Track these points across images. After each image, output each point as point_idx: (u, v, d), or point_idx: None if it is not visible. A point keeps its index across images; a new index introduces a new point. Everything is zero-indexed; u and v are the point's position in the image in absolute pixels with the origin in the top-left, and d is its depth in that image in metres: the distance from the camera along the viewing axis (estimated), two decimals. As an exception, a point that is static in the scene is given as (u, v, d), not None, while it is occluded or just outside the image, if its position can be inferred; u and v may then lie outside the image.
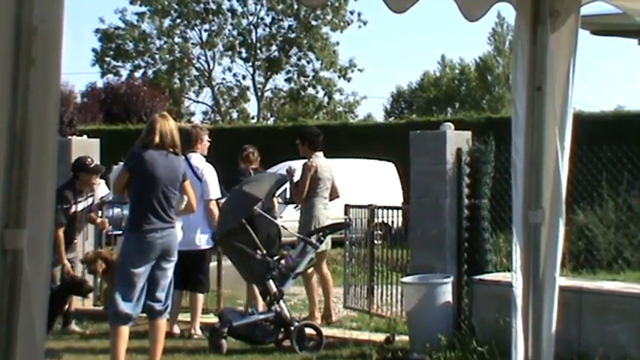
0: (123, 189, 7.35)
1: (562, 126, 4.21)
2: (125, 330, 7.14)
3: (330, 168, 10.08)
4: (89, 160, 9.28)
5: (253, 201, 8.84)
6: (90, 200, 9.35)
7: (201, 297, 9.33)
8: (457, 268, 8.76)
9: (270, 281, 8.65)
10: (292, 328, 8.61)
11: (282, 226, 9.60)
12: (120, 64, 48.71)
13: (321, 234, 9.30)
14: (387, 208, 11.32)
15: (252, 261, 8.63)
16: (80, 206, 9.17)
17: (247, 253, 8.60)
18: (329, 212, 9.98)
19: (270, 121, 49.35)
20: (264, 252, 8.75)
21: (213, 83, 50.80)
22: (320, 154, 9.98)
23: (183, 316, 9.52)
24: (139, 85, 41.59)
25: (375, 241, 10.92)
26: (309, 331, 8.79)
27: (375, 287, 10.66)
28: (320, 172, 9.79)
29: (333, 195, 10.22)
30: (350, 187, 10.44)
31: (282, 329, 8.69)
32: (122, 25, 48.17)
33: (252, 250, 8.63)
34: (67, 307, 9.51)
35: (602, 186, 13.06)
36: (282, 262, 8.92)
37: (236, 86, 51.18)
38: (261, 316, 8.72)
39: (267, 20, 48.56)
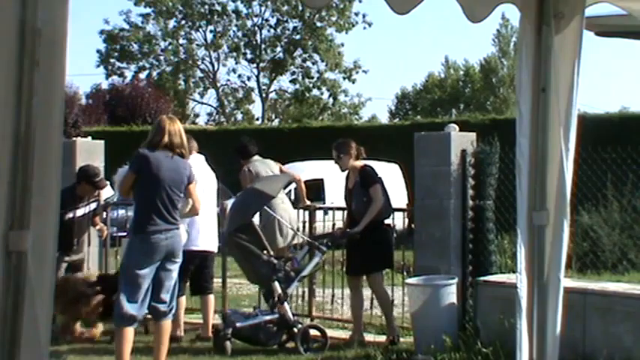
0: (129, 190, 7.35)
1: (567, 127, 4.21)
2: (130, 331, 7.14)
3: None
4: (97, 172, 9.26)
5: (266, 198, 8.86)
6: (93, 205, 9.35)
7: (212, 298, 9.30)
8: (462, 270, 8.75)
9: (276, 283, 8.64)
10: (296, 329, 8.61)
11: (291, 228, 9.57)
12: (124, 65, 48.78)
13: (326, 240, 9.26)
14: (332, 209, 11.19)
15: (258, 261, 8.61)
16: (80, 212, 9.18)
17: (254, 253, 8.58)
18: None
19: (275, 123, 49.39)
20: (271, 253, 8.75)
21: (218, 85, 50.87)
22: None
23: (188, 318, 9.54)
24: (143, 87, 41.56)
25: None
26: (313, 332, 8.79)
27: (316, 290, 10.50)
28: None
29: None
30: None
31: (286, 331, 8.68)
32: (127, 27, 48.28)
33: (259, 250, 8.62)
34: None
35: (607, 187, 13.06)
36: (288, 263, 8.90)
37: (241, 87, 51.30)
38: (265, 318, 8.69)
39: (272, 21, 48.67)
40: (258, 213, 9.38)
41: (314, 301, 10.40)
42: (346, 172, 9.22)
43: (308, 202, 10.67)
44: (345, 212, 9.41)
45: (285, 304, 8.68)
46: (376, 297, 9.24)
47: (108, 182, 9.59)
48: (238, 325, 8.50)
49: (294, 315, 8.91)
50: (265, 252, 8.67)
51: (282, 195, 9.88)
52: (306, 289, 10.40)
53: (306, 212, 10.51)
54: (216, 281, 11.06)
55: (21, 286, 2.56)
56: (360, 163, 9.13)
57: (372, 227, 8.84)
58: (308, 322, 9.46)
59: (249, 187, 9.02)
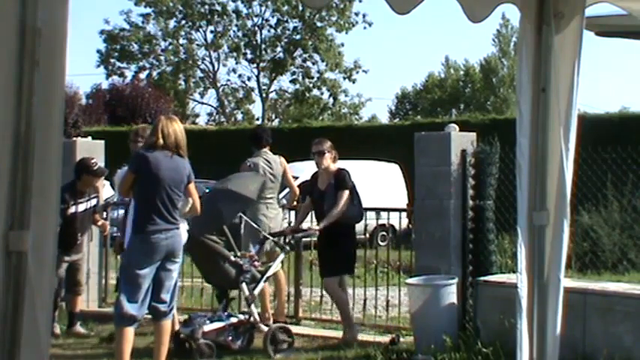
0: (128, 190, 7.36)
1: (567, 127, 4.21)
2: (130, 331, 7.14)
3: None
4: (93, 161, 9.25)
5: (247, 202, 8.73)
6: (93, 201, 9.33)
7: None
8: (462, 270, 8.75)
9: (244, 284, 8.52)
10: (264, 330, 8.50)
11: (256, 226, 9.34)
12: (125, 65, 48.78)
13: (290, 238, 9.21)
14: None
15: (225, 263, 8.44)
16: (81, 207, 9.16)
17: (222, 254, 8.43)
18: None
19: (275, 123, 49.37)
20: (238, 254, 8.59)
21: (218, 84, 50.86)
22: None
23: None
24: (143, 87, 41.59)
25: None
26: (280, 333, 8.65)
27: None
28: None
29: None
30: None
31: (252, 332, 8.58)
32: (127, 27, 48.28)
33: (227, 251, 8.48)
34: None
35: (607, 187, 13.06)
36: (255, 264, 8.74)
37: (241, 87, 51.29)
38: (232, 320, 8.51)
39: (272, 21, 48.65)
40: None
41: (300, 302, 10.40)
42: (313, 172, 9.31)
43: (295, 203, 10.71)
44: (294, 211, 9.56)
45: (252, 305, 8.59)
46: (332, 299, 9.32)
47: (108, 182, 9.58)
48: (205, 328, 8.26)
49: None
50: (232, 253, 8.53)
51: (272, 200, 9.82)
52: (292, 290, 10.40)
53: (292, 212, 10.61)
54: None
55: (21, 286, 2.56)
56: (336, 166, 9.19)
57: (346, 232, 8.95)
58: (274, 323, 9.31)
59: (221, 189, 8.72)
